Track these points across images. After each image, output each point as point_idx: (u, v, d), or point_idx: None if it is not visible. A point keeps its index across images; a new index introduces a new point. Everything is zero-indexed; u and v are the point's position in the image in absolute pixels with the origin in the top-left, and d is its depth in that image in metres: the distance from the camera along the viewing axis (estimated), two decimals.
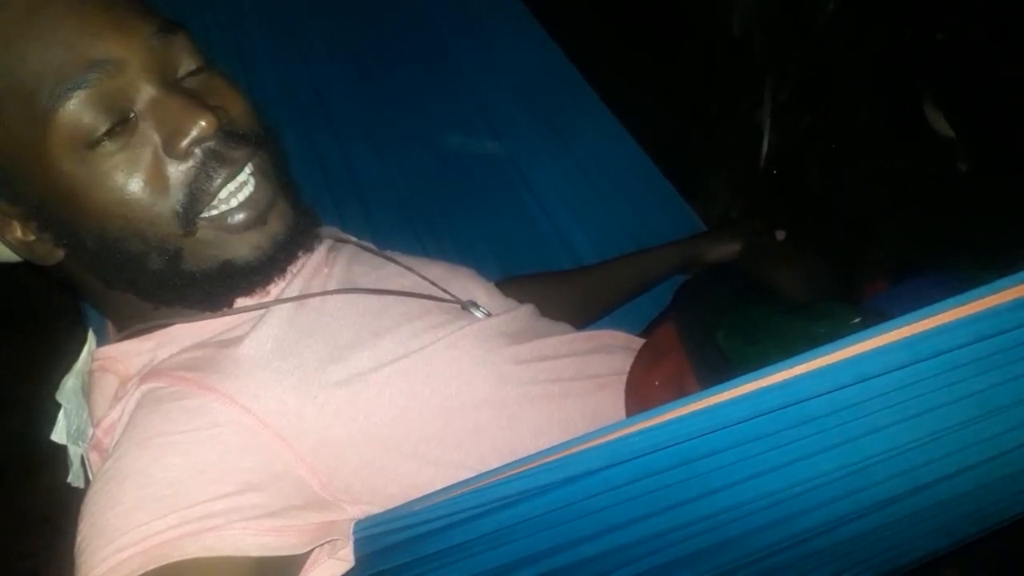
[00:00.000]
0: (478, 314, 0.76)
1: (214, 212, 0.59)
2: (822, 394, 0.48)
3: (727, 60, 1.87)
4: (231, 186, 0.59)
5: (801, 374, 0.48)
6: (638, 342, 0.86)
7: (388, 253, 0.82)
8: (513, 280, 0.99)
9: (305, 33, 1.07)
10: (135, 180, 0.56)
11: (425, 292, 0.76)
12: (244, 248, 0.60)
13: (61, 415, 0.70)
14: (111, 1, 0.56)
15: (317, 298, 0.68)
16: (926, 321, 0.45)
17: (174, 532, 0.52)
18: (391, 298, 0.72)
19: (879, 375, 0.47)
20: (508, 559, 0.58)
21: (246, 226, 0.60)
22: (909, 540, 0.66)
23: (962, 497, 0.57)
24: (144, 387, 0.60)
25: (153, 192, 0.56)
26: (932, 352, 0.46)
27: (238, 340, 0.63)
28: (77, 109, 0.54)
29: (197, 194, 0.57)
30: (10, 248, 0.62)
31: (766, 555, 0.60)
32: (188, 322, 0.66)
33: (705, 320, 0.76)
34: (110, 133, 0.55)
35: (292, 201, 0.64)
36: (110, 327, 0.70)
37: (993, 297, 0.44)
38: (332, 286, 0.71)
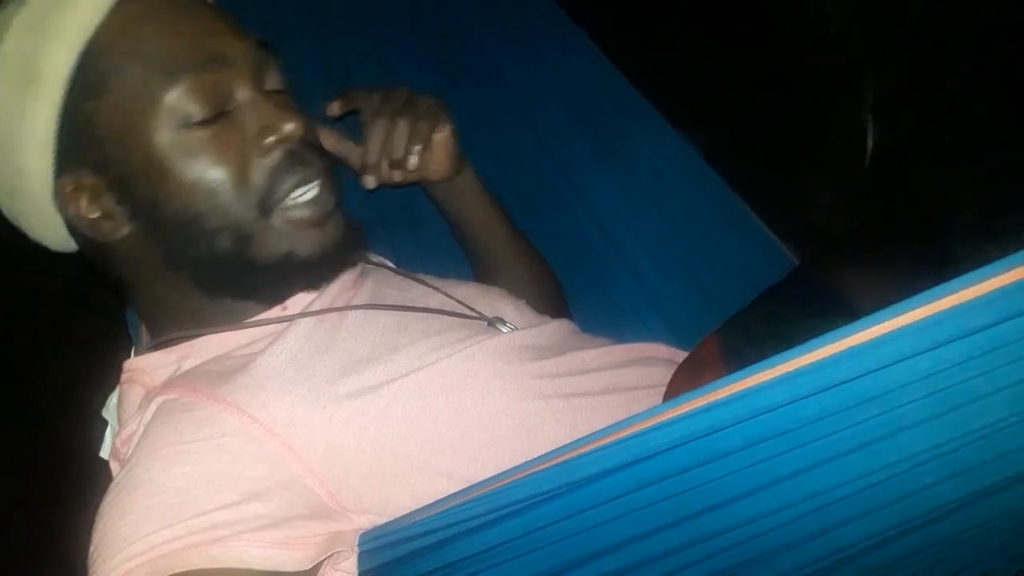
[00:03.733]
0: (504, 330, 0.75)
1: (286, 204, 0.64)
2: (845, 382, 0.42)
3: (818, 59, 1.77)
4: (302, 187, 0.64)
5: (819, 360, 0.42)
6: (682, 355, 0.80)
7: (418, 275, 0.82)
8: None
9: (350, 54, 1.09)
10: (223, 162, 0.61)
11: (450, 310, 0.75)
12: (306, 243, 0.65)
13: (108, 432, 0.73)
14: (227, 14, 0.66)
15: (337, 314, 0.68)
16: (970, 290, 0.39)
17: (180, 543, 0.52)
18: (413, 315, 0.71)
19: (910, 357, 0.41)
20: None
21: (310, 223, 0.65)
22: (977, 561, 0.57)
23: None
24: (159, 399, 0.62)
25: (238, 176, 0.62)
26: (977, 327, 0.40)
27: (256, 354, 0.64)
28: (187, 90, 0.60)
29: (275, 185, 0.63)
30: (70, 221, 0.65)
31: None
32: (214, 334, 0.67)
33: (751, 330, 0.69)
34: (209, 117, 0.61)
35: (347, 217, 0.69)
36: (144, 336, 0.72)
37: None
38: (357, 303, 0.71)
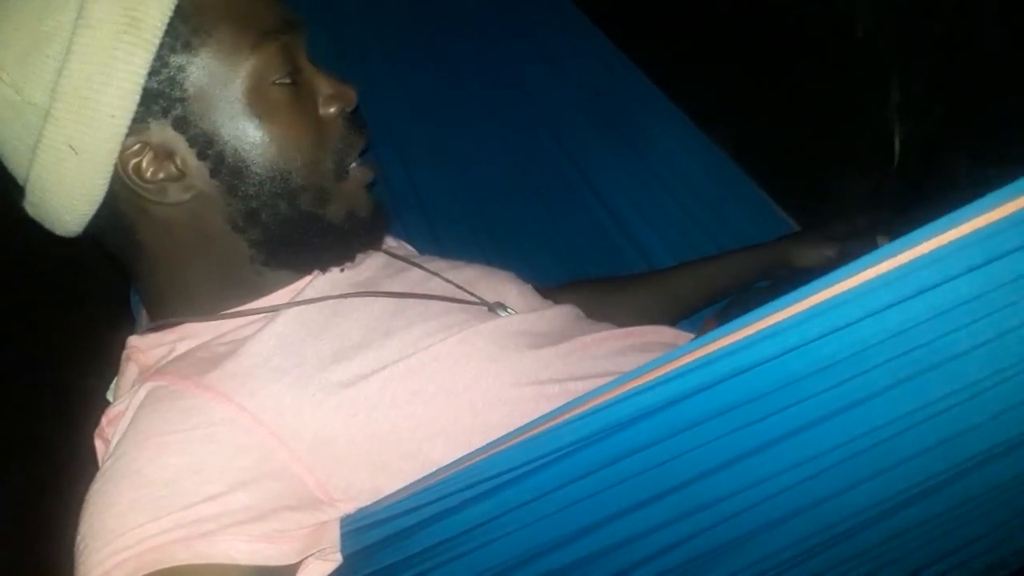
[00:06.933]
0: (503, 315, 0.73)
1: (354, 167, 0.67)
2: (808, 343, 0.40)
3: (845, 58, 1.75)
4: (361, 152, 0.67)
5: (778, 323, 0.41)
6: (687, 338, 0.78)
7: (420, 259, 0.81)
8: (572, 284, 0.95)
9: (367, 50, 1.11)
10: (306, 124, 0.64)
11: (449, 295, 0.73)
12: (364, 204, 0.68)
13: None
14: None
15: (332, 300, 0.67)
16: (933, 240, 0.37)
17: (167, 536, 0.51)
18: (410, 300, 0.70)
19: (876, 313, 0.39)
20: (502, 557, 0.53)
21: (367, 185, 0.68)
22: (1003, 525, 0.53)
23: None
24: (149, 384, 0.61)
25: (319, 138, 0.64)
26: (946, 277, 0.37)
27: (246, 339, 0.64)
28: (272, 53, 0.61)
29: (347, 148, 0.66)
30: (124, 184, 0.61)
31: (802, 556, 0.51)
32: (206, 321, 0.66)
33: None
34: (289, 79, 0.63)
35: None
36: (144, 319, 0.72)
37: None
38: (353, 290, 0.70)
